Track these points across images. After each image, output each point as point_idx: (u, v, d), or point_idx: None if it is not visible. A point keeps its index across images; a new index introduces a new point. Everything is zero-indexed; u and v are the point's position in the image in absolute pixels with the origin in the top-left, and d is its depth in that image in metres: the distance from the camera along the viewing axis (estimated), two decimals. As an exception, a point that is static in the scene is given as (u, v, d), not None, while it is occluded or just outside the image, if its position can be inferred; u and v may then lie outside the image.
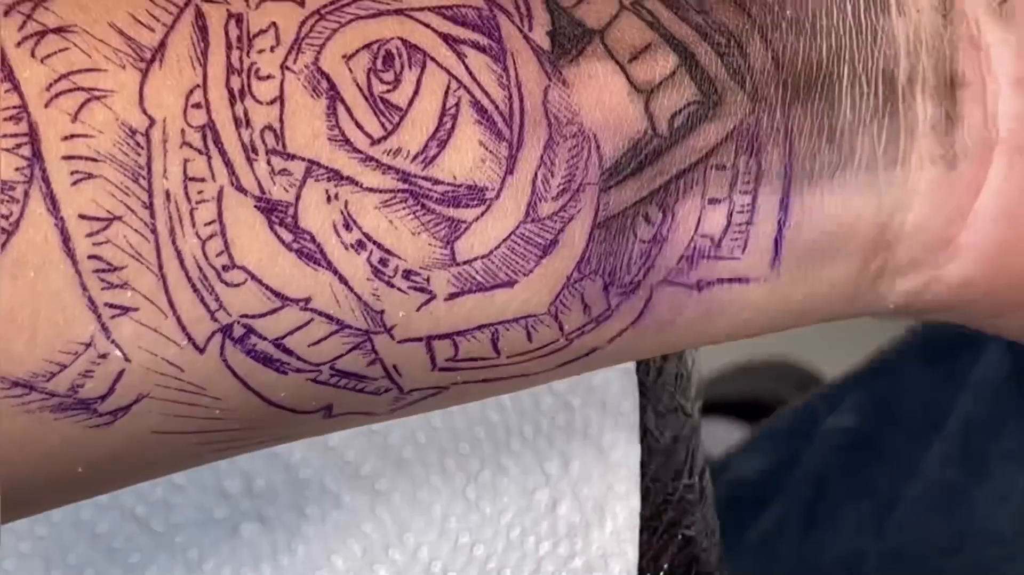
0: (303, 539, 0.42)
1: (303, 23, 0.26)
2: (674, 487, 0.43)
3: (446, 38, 0.27)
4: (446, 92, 0.27)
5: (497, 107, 0.27)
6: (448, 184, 0.27)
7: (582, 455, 0.44)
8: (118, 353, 0.25)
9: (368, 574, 0.42)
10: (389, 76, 0.27)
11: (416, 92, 0.27)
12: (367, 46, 0.27)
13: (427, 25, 0.27)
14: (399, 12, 0.27)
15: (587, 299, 0.28)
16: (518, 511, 0.43)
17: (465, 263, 0.27)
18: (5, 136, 0.24)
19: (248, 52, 0.26)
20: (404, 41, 0.27)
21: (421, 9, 0.27)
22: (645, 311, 0.29)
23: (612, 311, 0.29)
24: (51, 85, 0.24)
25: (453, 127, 0.27)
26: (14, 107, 0.24)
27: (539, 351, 0.29)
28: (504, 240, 0.27)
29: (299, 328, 0.26)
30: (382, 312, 0.27)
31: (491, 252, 0.27)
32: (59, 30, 0.25)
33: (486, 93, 0.27)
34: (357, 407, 0.28)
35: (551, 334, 0.28)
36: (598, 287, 0.28)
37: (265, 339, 0.26)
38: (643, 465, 0.43)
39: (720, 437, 0.81)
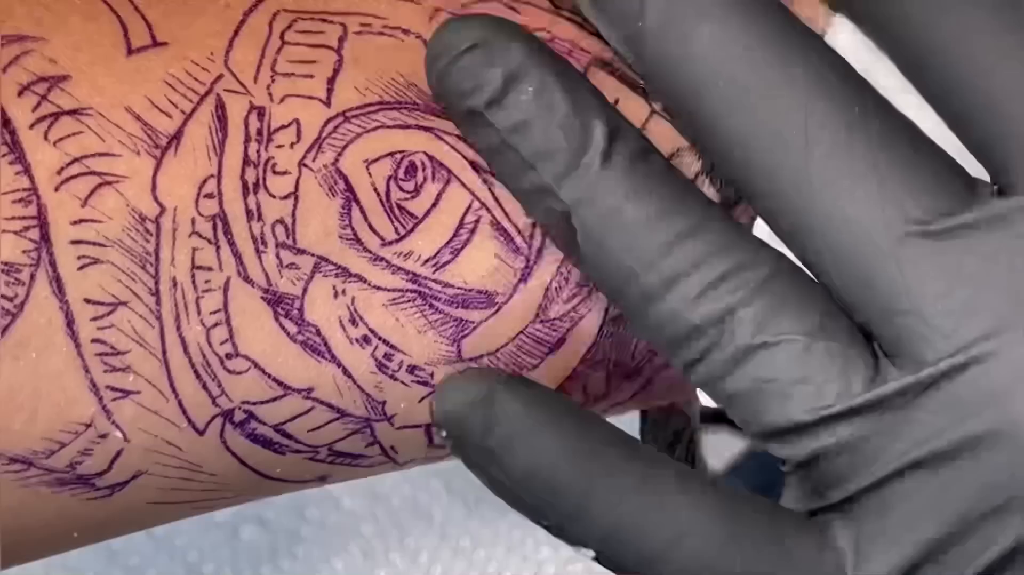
0: (303, 542, 0.42)
1: (327, 123, 0.26)
2: (677, 491, 0.43)
3: (474, 164, 0.27)
4: (466, 210, 0.27)
5: (519, 229, 0.27)
6: (458, 288, 0.27)
7: (585, 458, 0.43)
8: (118, 434, 0.25)
9: (368, 578, 0.42)
10: (410, 186, 0.26)
11: (435, 204, 0.26)
12: (391, 154, 0.26)
13: (455, 148, 0.27)
14: (428, 130, 0.27)
15: (588, 386, 0.29)
16: (519, 515, 0.43)
17: (471, 360, 0.27)
18: (13, 219, 0.24)
19: (267, 146, 0.26)
20: (431, 157, 0.27)
21: (449, 133, 0.27)
22: (641, 391, 0.30)
23: (610, 392, 0.29)
24: (63, 168, 0.24)
25: (469, 239, 0.27)
26: (24, 190, 0.24)
27: None
28: (512, 339, 0.27)
29: (300, 415, 0.26)
30: (384, 403, 0.27)
31: (497, 350, 0.27)
32: (74, 112, 0.25)
33: (508, 217, 0.27)
34: (351, 476, 0.29)
35: None
36: (601, 376, 0.29)
37: (266, 424, 0.26)
38: (646, 469, 0.43)
39: (720, 447, 0.80)
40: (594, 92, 0.26)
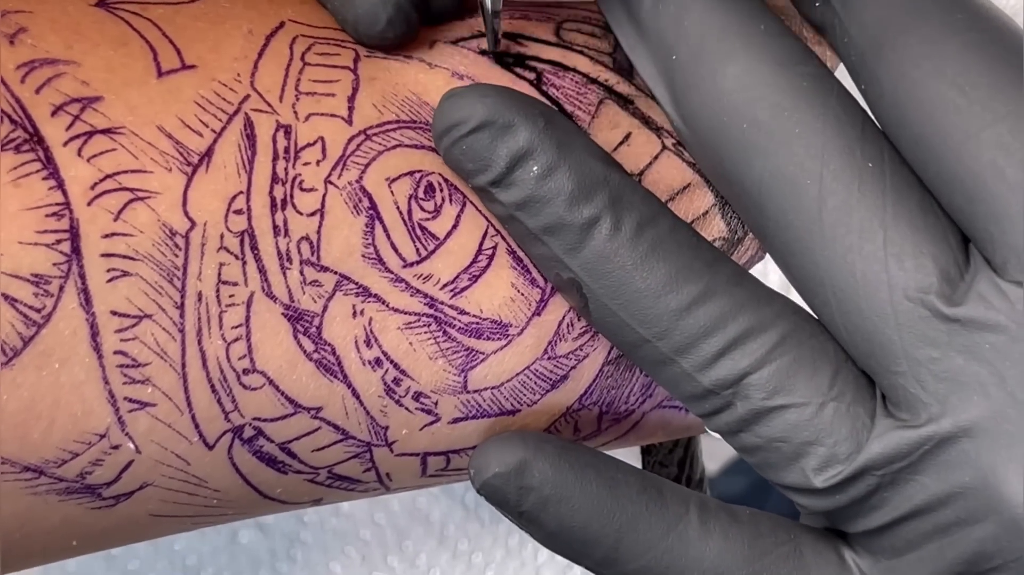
0: (302, 546, 0.42)
1: (350, 140, 0.27)
2: (674, 495, 0.43)
3: None
4: (484, 234, 0.27)
5: (534, 261, 0.27)
6: (473, 316, 0.27)
7: (582, 462, 0.43)
8: (130, 445, 0.25)
9: (366, 582, 0.42)
10: (430, 205, 0.27)
11: (455, 226, 0.27)
12: (410, 173, 0.27)
13: None
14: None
15: (580, 425, 0.29)
16: (517, 519, 0.43)
17: (475, 391, 0.27)
18: (45, 232, 0.24)
19: (294, 163, 0.26)
20: (446, 179, 0.27)
21: None
22: (631, 431, 0.30)
23: (600, 432, 0.30)
24: (96, 184, 0.25)
25: (488, 266, 0.27)
26: (57, 204, 0.24)
27: None
28: (518, 374, 0.28)
29: (306, 434, 0.27)
30: (387, 428, 0.27)
31: (502, 384, 0.28)
32: (107, 131, 0.25)
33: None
34: (343, 499, 0.29)
35: None
36: (593, 415, 0.29)
37: (272, 442, 0.26)
38: (643, 473, 0.43)
39: (716, 449, 0.81)
40: (602, 159, 0.27)
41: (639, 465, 0.42)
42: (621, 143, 0.28)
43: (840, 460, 0.26)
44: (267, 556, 0.42)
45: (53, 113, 0.25)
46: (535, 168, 0.26)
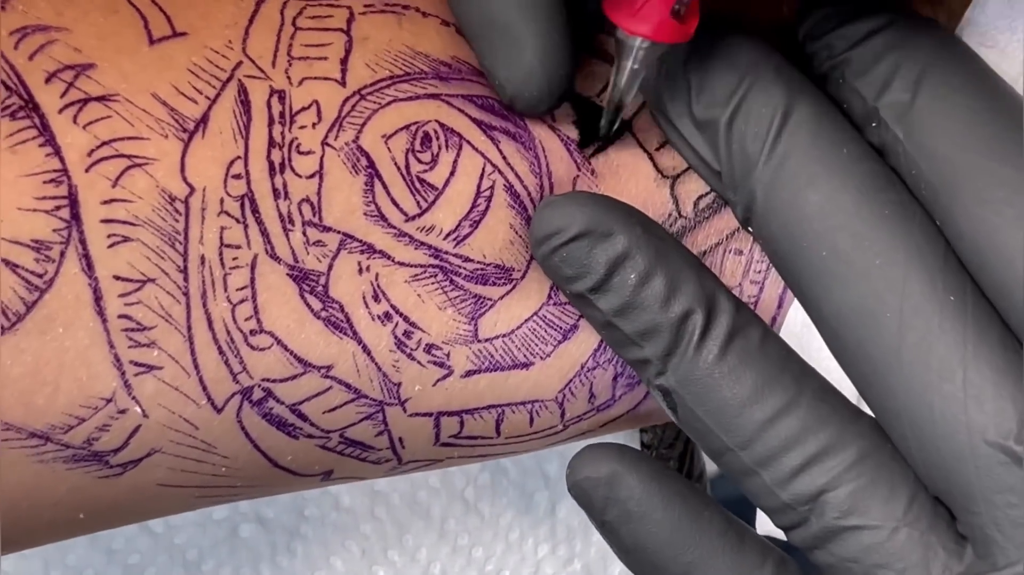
0: (302, 540, 0.42)
1: (345, 101, 0.27)
2: (674, 490, 0.43)
3: (479, 123, 0.28)
4: (481, 175, 0.27)
5: (529, 194, 0.28)
6: (477, 262, 0.27)
7: (582, 457, 0.43)
8: (137, 409, 0.25)
9: (367, 575, 0.42)
10: (427, 156, 0.27)
11: (452, 173, 0.27)
12: (406, 127, 0.27)
13: (462, 111, 0.28)
14: (435, 96, 0.28)
15: (595, 389, 0.29)
16: (517, 513, 0.43)
17: (486, 340, 0.27)
18: (44, 198, 0.24)
19: (290, 127, 0.26)
20: (441, 124, 0.27)
21: (455, 95, 0.28)
22: (643, 401, 0.30)
23: (615, 401, 0.30)
24: (93, 151, 0.25)
25: (487, 209, 0.27)
26: (54, 171, 0.24)
27: (535, 435, 0.29)
28: (527, 320, 0.28)
29: (317, 395, 0.27)
30: (399, 384, 0.27)
31: (513, 331, 0.28)
32: (102, 98, 0.25)
33: (519, 178, 0.28)
34: (354, 473, 0.29)
35: (551, 420, 0.29)
36: (608, 377, 0.29)
37: (283, 403, 0.26)
38: (643, 468, 0.43)
39: None
40: (695, 267, 0.27)
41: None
42: (605, 87, 0.29)
43: None
44: (267, 550, 0.42)
45: (47, 80, 0.25)
46: (633, 275, 0.26)
